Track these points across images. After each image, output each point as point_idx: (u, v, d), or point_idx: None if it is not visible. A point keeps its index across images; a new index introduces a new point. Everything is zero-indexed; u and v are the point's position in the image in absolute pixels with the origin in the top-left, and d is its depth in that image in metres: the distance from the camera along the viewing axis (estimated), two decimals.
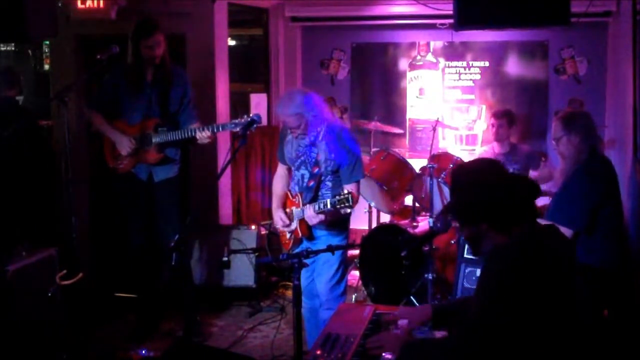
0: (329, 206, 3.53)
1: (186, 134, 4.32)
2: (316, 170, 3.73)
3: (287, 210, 3.87)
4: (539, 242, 2.19)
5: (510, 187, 2.27)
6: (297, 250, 3.46)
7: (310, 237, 3.81)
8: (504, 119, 5.67)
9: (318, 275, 3.89)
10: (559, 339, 2.10)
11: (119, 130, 4.46)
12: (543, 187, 4.86)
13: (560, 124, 3.58)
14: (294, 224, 3.82)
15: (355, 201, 3.48)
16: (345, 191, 3.45)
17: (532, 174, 5.30)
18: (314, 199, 3.75)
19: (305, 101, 3.62)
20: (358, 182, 3.77)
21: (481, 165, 2.51)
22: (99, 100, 4.58)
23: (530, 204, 2.30)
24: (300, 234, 3.80)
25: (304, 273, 3.87)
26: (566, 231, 3.36)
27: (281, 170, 4.02)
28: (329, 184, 3.78)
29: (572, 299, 2.15)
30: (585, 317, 2.22)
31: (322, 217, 3.64)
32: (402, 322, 2.60)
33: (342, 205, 3.44)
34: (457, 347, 2.17)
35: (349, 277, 4.94)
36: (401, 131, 6.20)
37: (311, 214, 3.64)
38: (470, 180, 2.31)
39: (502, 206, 2.23)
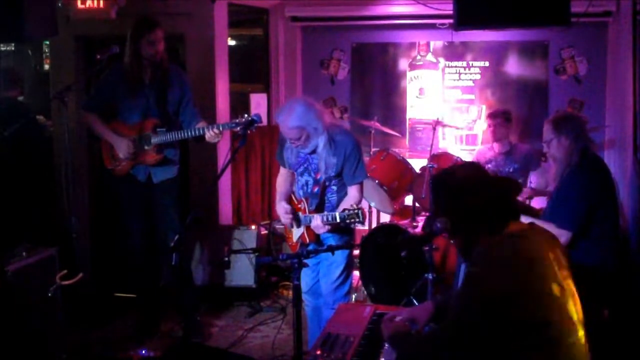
0: (337, 220, 3.54)
1: (192, 133, 4.31)
2: (319, 176, 3.73)
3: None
4: (516, 242, 2.18)
5: (498, 186, 2.30)
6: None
7: (318, 243, 3.83)
8: (498, 118, 5.66)
9: (323, 276, 3.90)
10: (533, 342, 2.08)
11: (116, 132, 4.45)
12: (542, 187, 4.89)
13: (550, 126, 3.58)
14: (301, 229, 3.83)
15: (365, 216, 3.48)
16: (355, 206, 3.45)
17: (532, 176, 5.29)
18: (320, 204, 3.78)
19: (306, 114, 3.54)
20: (361, 183, 3.77)
21: (465, 169, 2.44)
22: (96, 101, 4.57)
23: (514, 201, 2.32)
24: (307, 240, 3.82)
25: (309, 273, 3.91)
26: (564, 233, 3.36)
27: (283, 172, 4.00)
28: (334, 187, 3.80)
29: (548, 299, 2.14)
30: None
31: (329, 227, 3.66)
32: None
33: (352, 220, 3.45)
34: (438, 341, 2.17)
35: None
36: (399, 135, 6.20)
37: (319, 224, 3.65)
38: (460, 185, 2.28)
39: (496, 207, 2.23)
